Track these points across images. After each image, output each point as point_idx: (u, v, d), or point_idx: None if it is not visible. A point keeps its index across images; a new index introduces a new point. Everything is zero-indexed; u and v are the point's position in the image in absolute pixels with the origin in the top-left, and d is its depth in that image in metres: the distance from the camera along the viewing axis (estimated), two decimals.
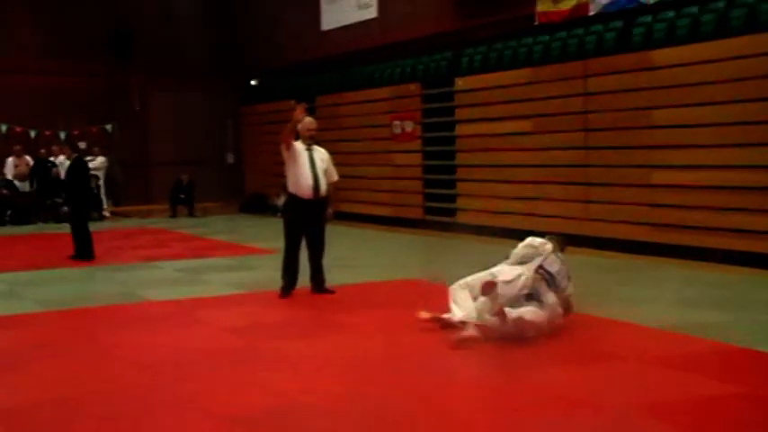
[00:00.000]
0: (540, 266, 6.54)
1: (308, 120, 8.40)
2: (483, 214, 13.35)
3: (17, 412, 4.90)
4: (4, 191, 17.63)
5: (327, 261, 8.57)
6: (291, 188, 8.31)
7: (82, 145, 19.07)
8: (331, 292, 8.40)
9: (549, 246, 6.78)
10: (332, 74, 17.89)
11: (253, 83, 21.43)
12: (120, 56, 20.15)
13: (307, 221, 8.34)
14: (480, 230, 12.92)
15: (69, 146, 12.54)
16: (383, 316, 7.29)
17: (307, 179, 8.18)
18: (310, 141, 8.35)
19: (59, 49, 19.45)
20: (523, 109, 12.65)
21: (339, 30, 17.47)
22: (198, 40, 20.98)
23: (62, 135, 19.25)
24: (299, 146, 8.28)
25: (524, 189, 12.58)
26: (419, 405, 4.86)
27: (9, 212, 17.39)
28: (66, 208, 11.41)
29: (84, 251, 11.35)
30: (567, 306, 6.58)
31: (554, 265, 6.62)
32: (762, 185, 9.31)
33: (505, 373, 5.51)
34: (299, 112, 8.20)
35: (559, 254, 6.80)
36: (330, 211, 8.48)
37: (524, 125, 12.64)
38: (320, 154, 8.40)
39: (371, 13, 16.47)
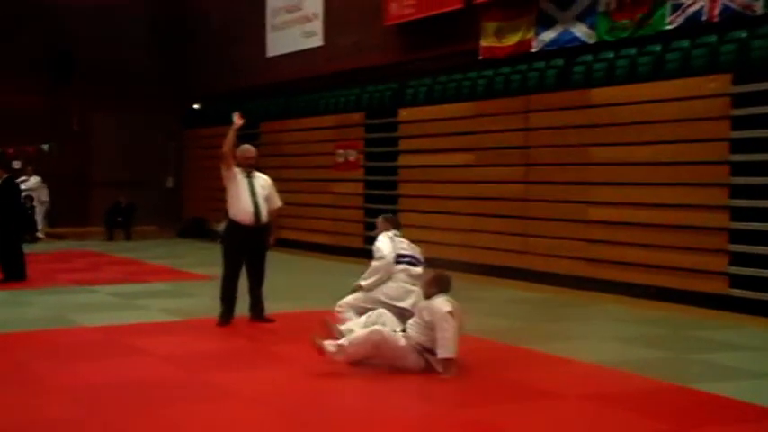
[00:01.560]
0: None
1: (246, 147, 8.45)
2: (424, 245, 13.36)
3: None
4: None
5: (266, 289, 8.52)
6: (232, 214, 8.28)
7: (16, 165, 18.75)
8: (270, 321, 8.36)
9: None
10: (276, 101, 17.89)
11: (195, 107, 21.29)
12: (59, 75, 19.83)
13: (247, 248, 8.30)
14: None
15: (1, 166, 12.22)
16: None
17: (247, 206, 8.16)
18: (249, 169, 8.35)
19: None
20: (466, 142, 12.80)
21: (284, 57, 17.49)
22: (142, 62, 20.76)
23: None
24: (238, 172, 8.26)
25: (465, 221, 12.70)
26: None
27: None
28: None
29: (14, 273, 11.10)
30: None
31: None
32: (693, 225, 9.57)
33: (439, 410, 5.53)
34: (237, 118, 8.23)
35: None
36: (272, 238, 8.45)
37: (466, 158, 12.80)
38: (261, 181, 8.40)
39: (317, 41, 16.54)
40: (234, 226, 8.28)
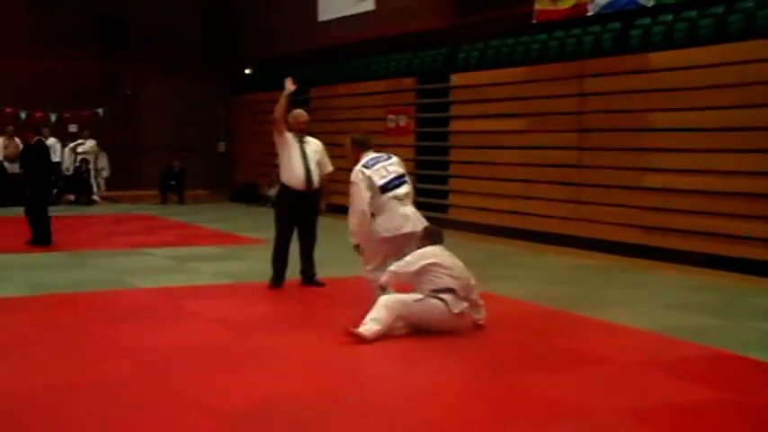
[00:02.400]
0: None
1: (298, 112, 8.42)
2: (474, 211, 13.37)
3: (9, 398, 4.89)
4: None
5: (318, 253, 8.57)
6: (284, 179, 8.31)
7: (72, 128, 19.10)
8: (320, 285, 8.40)
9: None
10: (327, 66, 17.86)
11: (247, 72, 21.36)
12: (112, 41, 20.06)
13: (298, 213, 8.32)
14: (471, 227, 12.95)
15: (31, 129, 12.33)
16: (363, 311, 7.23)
17: (298, 171, 8.17)
18: (301, 134, 8.34)
19: (52, 33, 19.35)
20: (518, 107, 12.65)
21: (336, 21, 17.43)
22: (192, 27, 20.91)
23: (52, 117, 19.20)
24: (290, 137, 8.27)
25: (516, 188, 12.60)
26: (405, 407, 4.85)
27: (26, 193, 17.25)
28: (27, 191, 11.24)
29: (40, 237, 11.20)
30: None
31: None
32: (754, 192, 9.35)
33: (492, 376, 5.51)
34: (289, 83, 8.22)
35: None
36: (323, 203, 8.46)
37: (518, 123, 12.66)
38: (313, 145, 8.39)
39: (369, 5, 16.44)
40: (286, 191, 8.32)
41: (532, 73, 12.45)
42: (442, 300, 6.30)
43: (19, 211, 11.60)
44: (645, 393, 5.10)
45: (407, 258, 6.53)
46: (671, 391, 5.14)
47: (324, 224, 8.79)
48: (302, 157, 8.23)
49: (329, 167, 8.51)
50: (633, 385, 5.29)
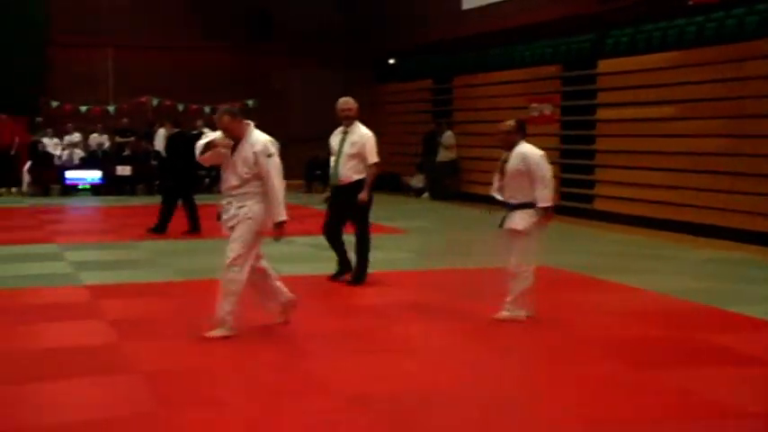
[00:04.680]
0: None
1: (342, 100, 7.96)
2: (621, 202, 12.81)
3: (166, 375, 5.03)
4: (154, 162, 18.32)
5: (451, 243, 8.38)
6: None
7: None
8: (346, 281, 7.91)
9: None
10: (470, 54, 17.58)
11: (391, 62, 21.37)
12: (261, 36, 20.53)
13: (336, 207, 7.96)
14: (617, 218, 12.43)
15: (169, 121, 12.65)
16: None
17: (331, 164, 7.93)
18: (348, 122, 7.88)
19: (206, 28, 20.01)
20: (670, 94, 12.02)
21: (479, 9, 17.11)
22: (336, 19, 21.09)
23: (206, 109, 19.84)
24: (337, 130, 7.96)
25: (666, 177, 11.97)
26: (544, 400, 4.65)
27: (157, 182, 18.07)
28: (160, 182, 11.52)
29: (161, 226, 11.32)
30: None
31: None
32: None
33: (628, 371, 5.21)
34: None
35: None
36: (362, 194, 7.79)
37: (670, 111, 12.01)
38: (355, 137, 7.81)
39: None
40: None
41: (686, 57, 11.77)
42: None
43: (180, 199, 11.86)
44: None
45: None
46: None
47: (457, 214, 8.58)
48: (338, 151, 7.82)
49: (372, 159, 7.81)
50: None
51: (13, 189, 17.21)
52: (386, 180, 19.94)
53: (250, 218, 5.83)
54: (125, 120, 19.13)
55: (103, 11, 19.49)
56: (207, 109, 19.82)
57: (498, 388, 4.91)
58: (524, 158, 6.32)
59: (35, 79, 18.59)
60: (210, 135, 6.45)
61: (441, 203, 16.54)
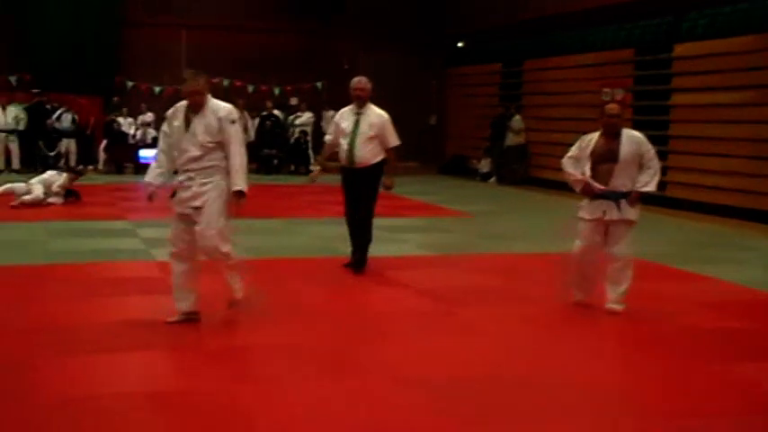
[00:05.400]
0: None
1: (356, 79, 7.65)
2: (696, 189, 12.47)
3: (236, 355, 5.05)
4: None
5: (516, 228, 8.29)
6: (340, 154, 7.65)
7: (293, 101, 19.82)
8: (356, 270, 7.53)
9: None
10: (541, 37, 17.30)
11: (459, 45, 21.19)
12: (331, 16, 20.54)
13: (350, 189, 7.60)
14: (692, 206, 12.12)
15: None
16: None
17: (343, 146, 7.45)
18: (360, 103, 7.52)
19: (277, 10, 20.11)
20: (749, 78, 11.64)
21: None
22: (407, 2, 20.97)
23: (276, 91, 20.01)
24: (346, 111, 7.59)
25: (743, 164, 11.60)
26: (603, 391, 4.59)
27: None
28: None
29: None
30: None
31: None
32: None
33: (697, 365, 5.08)
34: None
35: None
36: (389, 180, 7.61)
37: (749, 96, 11.61)
38: (371, 118, 7.49)
39: None
40: (341, 166, 7.66)
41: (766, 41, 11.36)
42: None
43: (250, 179, 11.99)
44: None
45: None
46: None
47: (526, 199, 8.48)
48: (352, 132, 7.42)
49: (392, 142, 7.54)
50: None
51: (90, 167, 17.64)
52: (454, 163, 19.88)
53: (220, 196, 5.47)
54: None
55: None
56: (276, 90, 20.02)
57: (570, 376, 4.81)
58: (639, 143, 6.05)
59: (110, 60, 18.97)
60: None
61: (508, 188, 16.38)
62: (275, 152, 18.75)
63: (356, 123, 7.42)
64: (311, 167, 18.92)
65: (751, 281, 7.45)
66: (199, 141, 5.42)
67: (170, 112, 5.68)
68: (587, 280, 6.24)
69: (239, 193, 5.44)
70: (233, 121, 5.52)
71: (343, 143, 7.42)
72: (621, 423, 4.11)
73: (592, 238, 6.11)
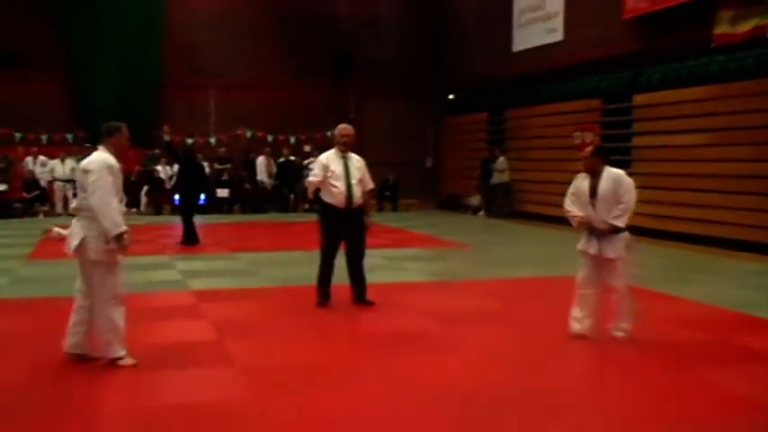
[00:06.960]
0: None
1: (343, 126, 7.39)
2: (655, 219, 12.62)
3: (265, 371, 5.17)
4: (247, 186, 18.82)
5: (514, 256, 8.37)
6: (325, 197, 7.23)
7: (307, 148, 20.06)
8: (369, 304, 7.30)
9: None
10: (520, 90, 17.58)
11: (450, 97, 21.47)
12: (340, 72, 20.84)
13: (342, 230, 7.22)
14: (651, 234, 12.29)
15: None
16: (563, 309, 6.67)
17: (340, 188, 7.10)
18: (345, 148, 7.24)
19: (294, 68, 20.42)
20: (698, 123, 11.90)
21: (528, 51, 17.11)
22: (407, 59, 21.26)
23: (292, 139, 20.25)
24: (331, 155, 7.23)
25: (697, 197, 11.80)
26: (594, 404, 4.66)
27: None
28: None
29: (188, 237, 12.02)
30: None
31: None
32: None
33: (673, 370, 5.17)
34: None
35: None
36: (369, 219, 7.38)
37: (699, 138, 11.84)
38: (356, 162, 7.27)
39: (557, 36, 16.00)
40: (327, 208, 7.19)
41: (713, 91, 11.61)
42: None
43: (267, 217, 12.18)
44: None
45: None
46: None
47: (516, 230, 8.60)
48: (345, 175, 7.11)
49: (370, 184, 7.35)
50: None
51: (133, 209, 17.81)
52: (449, 200, 20.06)
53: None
54: (222, 149, 19.64)
55: (207, 57, 20.09)
56: (292, 139, 20.25)
57: (567, 391, 4.83)
58: (617, 181, 5.76)
59: (151, 116, 19.25)
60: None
61: (496, 221, 16.51)
62: (292, 193, 18.94)
63: (346, 167, 7.18)
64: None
65: (723, 300, 7.54)
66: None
67: None
68: (585, 312, 5.98)
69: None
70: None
71: (339, 185, 7.09)
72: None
73: (588, 269, 5.96)
